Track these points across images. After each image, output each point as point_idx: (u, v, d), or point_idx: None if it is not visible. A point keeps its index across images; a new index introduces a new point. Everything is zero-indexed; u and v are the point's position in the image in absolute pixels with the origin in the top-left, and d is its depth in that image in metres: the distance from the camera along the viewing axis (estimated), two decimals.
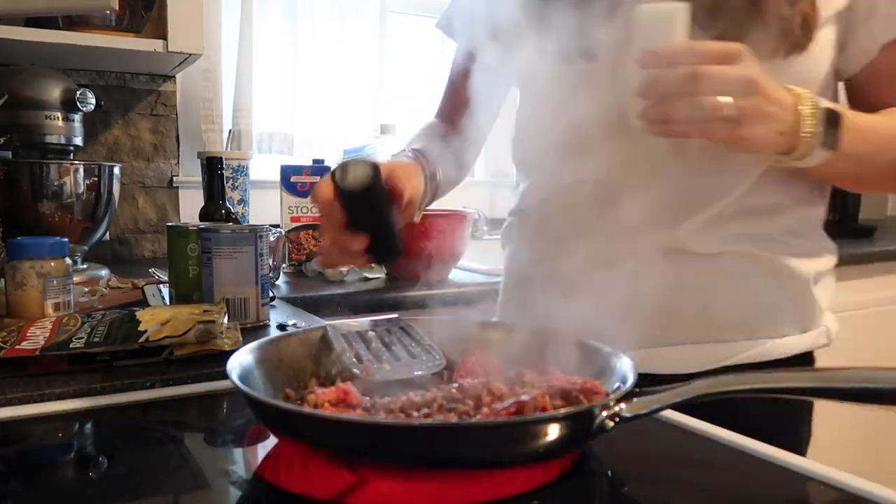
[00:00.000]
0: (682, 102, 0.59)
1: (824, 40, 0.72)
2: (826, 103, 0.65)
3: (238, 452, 0.54)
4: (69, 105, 1.22)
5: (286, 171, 1.46)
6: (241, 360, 0.52)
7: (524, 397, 0.46)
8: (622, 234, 0.71)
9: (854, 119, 0.67)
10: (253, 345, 0.55)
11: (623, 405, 0.45)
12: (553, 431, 0.43)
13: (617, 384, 0.50)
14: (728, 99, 0.58)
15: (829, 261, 0.81)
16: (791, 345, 0.78)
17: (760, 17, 0.67)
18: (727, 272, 0.74)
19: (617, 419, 0.45)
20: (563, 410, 0.45)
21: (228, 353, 0.71)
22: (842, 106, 0.68)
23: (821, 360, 0.85)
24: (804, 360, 0.81)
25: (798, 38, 0.68)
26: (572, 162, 0.77)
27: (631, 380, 0.48)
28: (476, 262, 1.51)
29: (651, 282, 0.70)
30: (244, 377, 0.49)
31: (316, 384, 0.55)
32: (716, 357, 0.75)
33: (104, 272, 1.24)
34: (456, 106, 0.96)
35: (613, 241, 0.71)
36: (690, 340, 0.75)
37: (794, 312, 0.78)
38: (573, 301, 0.65)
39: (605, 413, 0.45)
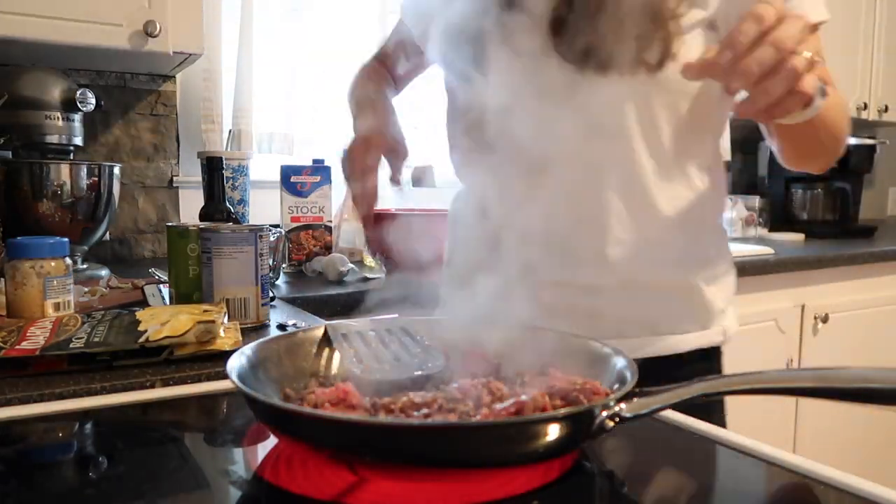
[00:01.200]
0: (776, 78, 0.57)
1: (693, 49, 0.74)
2: None
3: (238, 452, 0.54)
4: (69, 105, 1.22)
5: (286, 171, 1.46)
6: (241, 360, 0.52)
7: (524, 397, 0.46)
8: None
9: None
10: (253, 345, 0.55)
11: (623, 405, 0.45)
12: (553, 431, 0.43)
13: (616, 384, 0.50)
14: (806, 52, 0.57)
15: (721, 268, 0.86)
16: (689, 341, 0.83)
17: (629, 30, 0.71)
18: (629, 278, 0.80)
19: (617, 419, 0.45)
20: (563, 410, 0.45)
21: (228, 353, 0.71)
22: None
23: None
24: (706, 355, 0.86)
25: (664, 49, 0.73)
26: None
27: (631, 380, 0.48)
28: None
29: (568, 289, 0.80)
30: (244, 377, 0.49)
31: (316, 384, 0.55)
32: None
33: (104, 272, 1.24)
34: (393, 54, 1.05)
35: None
36: (603, 337, 0.77)
37: (690, 312, 0.84)
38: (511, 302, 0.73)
39: (605, 413, 0.45)
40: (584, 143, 0.76)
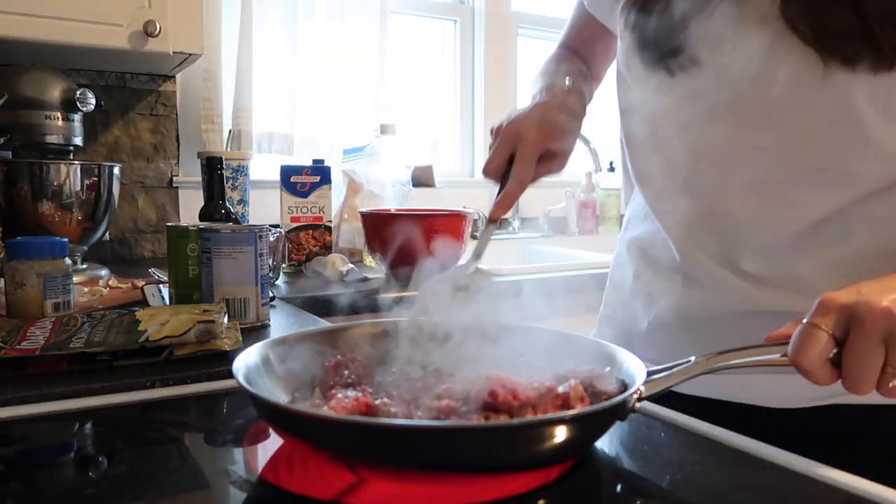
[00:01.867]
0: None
1: None
2: None
3: (238, 452, 0.54)
4: (69, 105, 1.22)
5: (286, 171, 1.46)
6: (247, 360, 0.52)
7: (562, 389, 0.47)
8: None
9: None
10: (259, 344, 0.55)
11: (642, 386, 0.48)
12: (605, 419, 0.45)
13: (607, 367, 0.53)
14: None
15: None
16: None
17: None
18: None
19: (639, 401, 0.48)
20: (621, 397, 0.46)
21: (228, 353, 0.71)
22: None
23: None
24: None
25: None
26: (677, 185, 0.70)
27: (637, 364, 0.50)
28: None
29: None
30: (249, 376, 0.49)
31: (316, 390, 0.55)
32: (822, 392, 0.60)
33: (104, 272, 1.24)
34: (583, 38, 0.93)
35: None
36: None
37: None
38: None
39: (634, 396, 0.47)
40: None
